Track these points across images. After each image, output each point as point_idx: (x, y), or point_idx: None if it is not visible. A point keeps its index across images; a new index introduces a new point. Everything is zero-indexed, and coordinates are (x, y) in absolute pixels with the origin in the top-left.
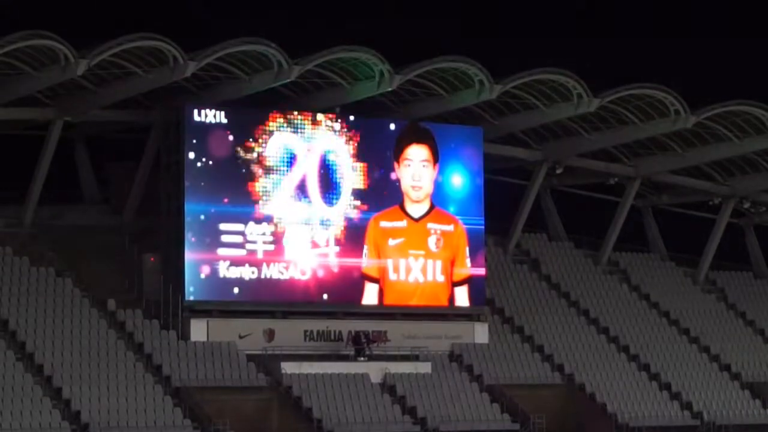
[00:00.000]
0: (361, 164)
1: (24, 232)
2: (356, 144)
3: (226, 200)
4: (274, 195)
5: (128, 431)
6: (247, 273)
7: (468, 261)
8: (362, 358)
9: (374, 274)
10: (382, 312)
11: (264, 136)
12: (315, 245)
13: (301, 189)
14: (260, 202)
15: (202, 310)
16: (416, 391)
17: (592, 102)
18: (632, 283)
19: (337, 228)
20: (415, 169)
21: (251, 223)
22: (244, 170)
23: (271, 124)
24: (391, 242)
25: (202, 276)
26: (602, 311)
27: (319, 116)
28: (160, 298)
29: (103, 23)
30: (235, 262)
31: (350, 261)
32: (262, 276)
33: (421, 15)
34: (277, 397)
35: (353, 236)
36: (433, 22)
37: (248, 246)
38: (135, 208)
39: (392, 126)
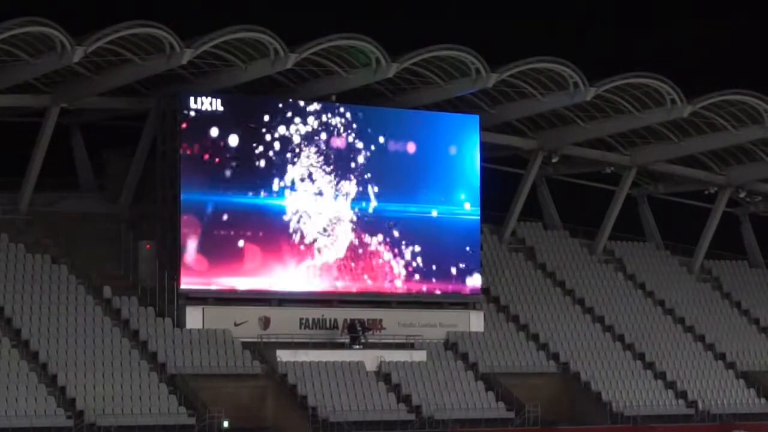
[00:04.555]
0: (357, 151)
1: (20, 219)
2: (351, 131)
3: (221, 188)
4: (269, 183)
5: (123, 418)
6: (245, 261)
7: None
8: (357, 347)
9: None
10: (378, 300)
11: (259, 124)
12: (312, 232)
13: (297, 177)
14: (255, 189)
15: (197, 297)
16: (411, 379)
17: (588, 91)
18: (628, 272)
19: (334, 215)
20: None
21: (246, 211)
22: (239, 158)
23: (266, 111)
24: None
25: (198, 263)
26: (598, 300)
27: (316, 104)
28: (155, 286)
29: (100, 10)
30: (233, 250)
31: (349, 249)
32: (259, 263)
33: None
34: (272, 385)
35: (350, 224)
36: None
37: (244, 234)
38: (131, 196)
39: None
